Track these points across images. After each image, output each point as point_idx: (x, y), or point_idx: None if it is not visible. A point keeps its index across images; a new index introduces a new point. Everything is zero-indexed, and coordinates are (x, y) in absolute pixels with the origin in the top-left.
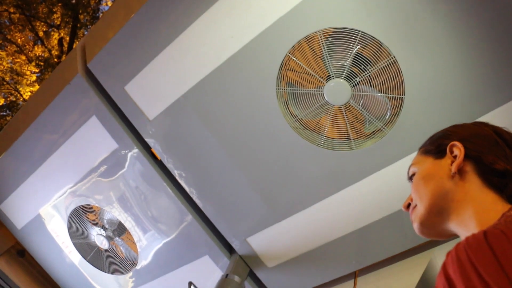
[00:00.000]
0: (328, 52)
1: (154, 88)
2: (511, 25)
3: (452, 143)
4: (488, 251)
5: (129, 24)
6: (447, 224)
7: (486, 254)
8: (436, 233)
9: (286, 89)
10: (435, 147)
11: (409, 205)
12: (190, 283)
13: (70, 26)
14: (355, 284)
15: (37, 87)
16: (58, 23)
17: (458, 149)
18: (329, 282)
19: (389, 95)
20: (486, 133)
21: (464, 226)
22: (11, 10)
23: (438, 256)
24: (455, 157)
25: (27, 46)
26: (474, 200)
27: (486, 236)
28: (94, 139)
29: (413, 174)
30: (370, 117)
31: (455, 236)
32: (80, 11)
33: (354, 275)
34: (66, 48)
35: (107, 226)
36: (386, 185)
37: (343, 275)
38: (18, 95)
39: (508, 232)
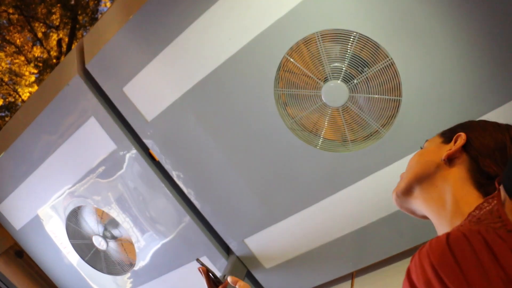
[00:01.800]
0: (325, 53)
1: (153, 90)
2: (509, 27)
3: (459, 133)
4: (449, 256)
5: (127, 25)
6: (418, 205)
7: (447, 259)
8: (407, 209)
9: (284, 91)
10: (450, 132)
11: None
12: (198, 260)
13: (69, 27)
14: (352, 285)
15: (35, 88)
16: (57, 24)
17: (459, 143)
18: (327, 283)
19: (386, 96)
20: (500, 137)
21: (431, 211)
22: (10, 10)
23: None
24: (454, 145)
25: (25, 47)
26: (453, 188)
27: (449, 240)
28: (93, 140)
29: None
30: (367, 118)
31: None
32: (79, 12)
33: (351, 276)
34: (65, 49)
35: (105, 227)
36: (383, 187)
37: (340, 276)
38: (17, 95)
39: (470, 235)
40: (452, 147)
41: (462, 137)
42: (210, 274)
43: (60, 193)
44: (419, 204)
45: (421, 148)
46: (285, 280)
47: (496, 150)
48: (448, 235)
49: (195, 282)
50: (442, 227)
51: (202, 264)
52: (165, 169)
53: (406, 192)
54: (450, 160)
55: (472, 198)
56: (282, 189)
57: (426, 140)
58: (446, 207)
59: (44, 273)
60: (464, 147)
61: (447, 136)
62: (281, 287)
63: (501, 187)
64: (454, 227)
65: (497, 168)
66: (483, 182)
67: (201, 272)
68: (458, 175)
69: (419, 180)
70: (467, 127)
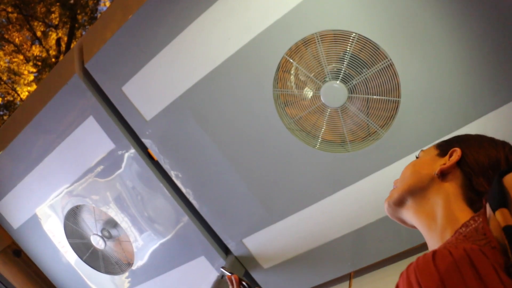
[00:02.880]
0: (324, 54)
1: (152, 89)
2: (508, 28)
3: (454, 148)
4: (435, 274)
5: (127, 25)
6: (409, 216)
7: (433, 277)
8: (398, 218)
9: (283, 91)
10: (446, 145)
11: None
12: (224, 268)
13: (68, 26)
14: (350, 285)
15: (34, 87)
16: (56, 23)
17: (453, 158)
18: (325, 283)
19: (385, 97)
20: (495, 155)
21: (422, 224)
22: (9, 9)
23: None
24: (448, 161)
25: (24, 46)
26: (445, 203)
27: (434, 257)
28: (91, 139)
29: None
30: (366, 119)
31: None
32: (78, 11)
33: (349, 277)
34: (64, 48)
35: (103, 226)
36: (381, 188)
37: (338, 277)
38: (16, 94)
39: (455, 252)
40: (446, 161)
41: (457, 153)
42: (244, 283)
43: (58, 192)
44: (410, 215)
45: (417, 157)
46: (283, 281)
47: (490, 168)
48: (434, 252)
49: (193, 282)
50: (432, 241)
51: (231, 273)
52: (164, 168)
53: (399, 203)
54: (443, 175)
55: (463, 214)
56: (280, 189)
57: (421, 150)
58: (437, 222)
59: (42, 272)
60: (459, 163)
61: (443, 149)
62: (279, 287)
63: (487, 205)
64: (443, 242)
65: (489, 186)
66: (474, 199)
67: (231, 281)
68: (450, 190)
69: (412, 192)
70: (463, 141)
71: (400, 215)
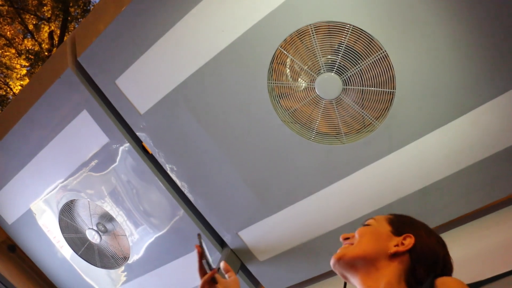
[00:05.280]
0: (319, 46)
1: (145, 82)
2: (503, 19)
3: (409, 235)
4: None
5: (119, 17)
6: (354, 277)
7: None
8: (342, 275)
9: (277, 83)
10: (399, 226)
11: (347, 238)
12: (199, 235)
13: (60, 19)
14: None
15: (27, 81)
16: (49, 16)
17: (407, 244)
18: (320, 275)
19: (380, 89)
20: (437, 252)
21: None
22: (0, 2)
23: None
24: (401, 243)
25: (16, 39)
26: (389, 280)
27: None
28: (85, 133)
29: (368, 224)
30: (361, 111)
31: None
32: (71, 4)
33: None
34: (56, 42)
35: (98, 221)
36: (376, 179)
37: None
38: (8, 89)
39: None
40: (399, 243)
41: (411, 241)
42: (204, 258)
43: (52, 187)
44: (356, 278)
45: (366, 224)
46: (278, 273)
47: (431, 262)
48: None
49: (189, 276)
50: None
51: (201, 244)
52: (159, 162)
53: (350, 264)
54: (395, 255)
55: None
56: (275, 181)
57: (372, 218)
58: None
59: (37, 268)
60: (409, 249)
61: (396, 228)
62: (274, 280)
63: None
64: None
65: (427, 277)
66: (413, 284)
67: (197, 249)
68: (396, 270)
69: (365, 260)
70: (415, 229)
71: (346, 273)
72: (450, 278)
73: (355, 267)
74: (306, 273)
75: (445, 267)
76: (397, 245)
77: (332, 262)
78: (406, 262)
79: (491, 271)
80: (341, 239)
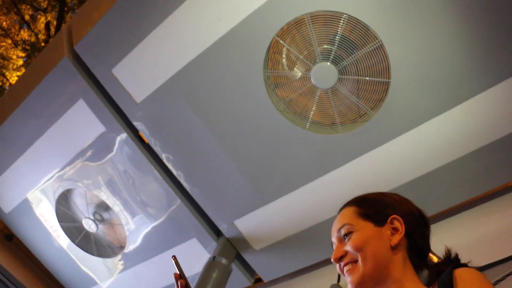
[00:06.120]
0: (315, 35)
1: (142, 71)
2: (498, 9)
3: (394, 216)
4: None
5: (116, 6)
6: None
7: None
8: None
9: (273, 72)
10: (374, 213)
11: (341, 257)
12: (175, 257)
13: (57, 9)
14: None
15: (23, 71)
16: (45, 6)
17: (400, 224)
18: (315, 264)
19: (376, 79)
20: (416, 212)
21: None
22: None
23: None
24: (394, 229)
25: (12, 30)
26: (400, 270)
27: None
28: (81, 122)
29: (349, 232)
30: (356, 100)
31: None
32: None
33: None
34: (53, 32)
35: (95, 210)
36: (371, 168)
37: (329, 257)
38: (4, 79)
39: None
40: (391, 230)
41: (399, 220)
42: (185, 280)
43: (49, 176)
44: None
45: (345, 235)
46: (274, 262)
47: (419, 225)
48: None
49: (185, 264)
50: None
51: (178, 266)
52: (155, 151)
53: (371, 282)
54: (395, 246)
55: (409, 276)
56: (271, 170)
57: (343, 225)
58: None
59: (34, 256)
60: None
61: (375, 219)
62: (270, 269)
63: None
64: None
65: (426, 243)
66: (415, 261)
67: (176, 279)
68: (401, 258)
69: (380, 269)
70: (389, 207)
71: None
72: (467, 270)
73: (375, 281)
74: (302, 262)
75: (423, 219)
76: (391, 233)
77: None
78: (404, 242)
79: (486, 259)
80: (334, 261)
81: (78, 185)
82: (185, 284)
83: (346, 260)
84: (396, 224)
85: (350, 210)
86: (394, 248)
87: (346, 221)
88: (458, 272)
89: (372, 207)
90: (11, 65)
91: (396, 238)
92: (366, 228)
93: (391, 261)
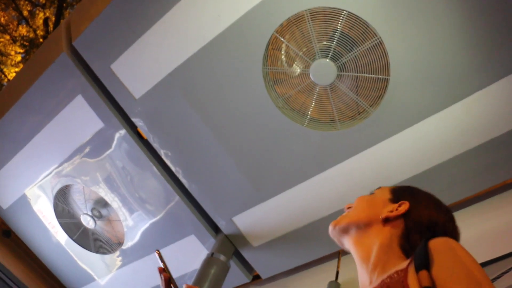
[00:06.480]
0: (314, 31)
1: (140, 67)
2: (498, 6)
3: (404, 202)
4: None
5: (115, 1)
6: (349, 242)
7: None
8: (338, 240)
9: (272, 69)
10: (400, 194)
11: (349, 208)
12: (159, 252)
13: (55, 5)
14: (339, 263)
15: (22, 67)
16: (43, 2)
17: (400, 210)
18: (314, 261)
19: (375, 76)
20: (435, 218)
21: (357, 256)
22: None
23: None
24: (396, 210)
25: (11, 26)
26: (381, 245)
27: None
28: (80, 118)
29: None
30: (355, 97)
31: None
32: None
33: (338, 255)
34: (51, 29)
35: (93, 206)
36: (370, 165)
37: (327, 254)
38: (3, 75)
39: None
40: (394, 209)
41: (405, 206)
42: (169, 275)
43: (47, 172)
44: (350, 243)
45: (372, 193)
46: (272, 258)
47: (427, 228)
48: None
49: (184, 260)
50: (362, 273)
51: (163, 260)
52: (153, 147)
53: (344, 230)
54: (387, 221)
55: (394, 258)
56: (270, 167)
57: (379, 187)
58: (370, 259)
59: (32, 253)
60: (404, 215)
61: (396, 196)
62: (268, 265)
63: (411, 264)
64: (370, 279)
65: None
66: (407, 249)
67: (160, 273)
68: (389, 235)
69: (357, 225)
70: (414, 196)
71: (341, 239)
72: (440, 239)
73: (348, 232)
74: (300, 258)
75: (446, 234)
76: (391, 211)
77: (329, 229)
78: (400, 227)
79: (486, 256)
80: (344, 209)
81: (76, 181)
82: (168, 277)
83: (349, 209)
84: (401, 208)
85: (392, 186)
86: (383, 221)
87: (381, 187)
88: (433, 243)
89: (405, 188)
90: (9, 61)
91: (386, 214)
92: (382, 196)
93: (372, 227)
